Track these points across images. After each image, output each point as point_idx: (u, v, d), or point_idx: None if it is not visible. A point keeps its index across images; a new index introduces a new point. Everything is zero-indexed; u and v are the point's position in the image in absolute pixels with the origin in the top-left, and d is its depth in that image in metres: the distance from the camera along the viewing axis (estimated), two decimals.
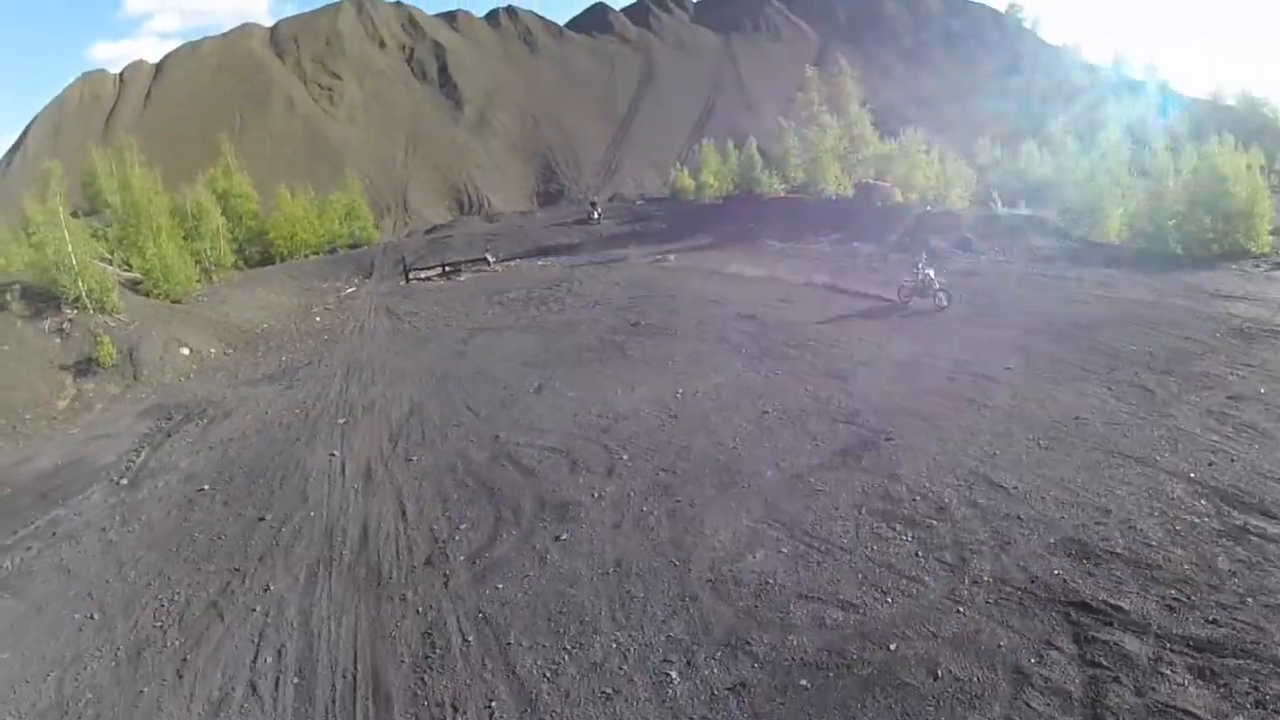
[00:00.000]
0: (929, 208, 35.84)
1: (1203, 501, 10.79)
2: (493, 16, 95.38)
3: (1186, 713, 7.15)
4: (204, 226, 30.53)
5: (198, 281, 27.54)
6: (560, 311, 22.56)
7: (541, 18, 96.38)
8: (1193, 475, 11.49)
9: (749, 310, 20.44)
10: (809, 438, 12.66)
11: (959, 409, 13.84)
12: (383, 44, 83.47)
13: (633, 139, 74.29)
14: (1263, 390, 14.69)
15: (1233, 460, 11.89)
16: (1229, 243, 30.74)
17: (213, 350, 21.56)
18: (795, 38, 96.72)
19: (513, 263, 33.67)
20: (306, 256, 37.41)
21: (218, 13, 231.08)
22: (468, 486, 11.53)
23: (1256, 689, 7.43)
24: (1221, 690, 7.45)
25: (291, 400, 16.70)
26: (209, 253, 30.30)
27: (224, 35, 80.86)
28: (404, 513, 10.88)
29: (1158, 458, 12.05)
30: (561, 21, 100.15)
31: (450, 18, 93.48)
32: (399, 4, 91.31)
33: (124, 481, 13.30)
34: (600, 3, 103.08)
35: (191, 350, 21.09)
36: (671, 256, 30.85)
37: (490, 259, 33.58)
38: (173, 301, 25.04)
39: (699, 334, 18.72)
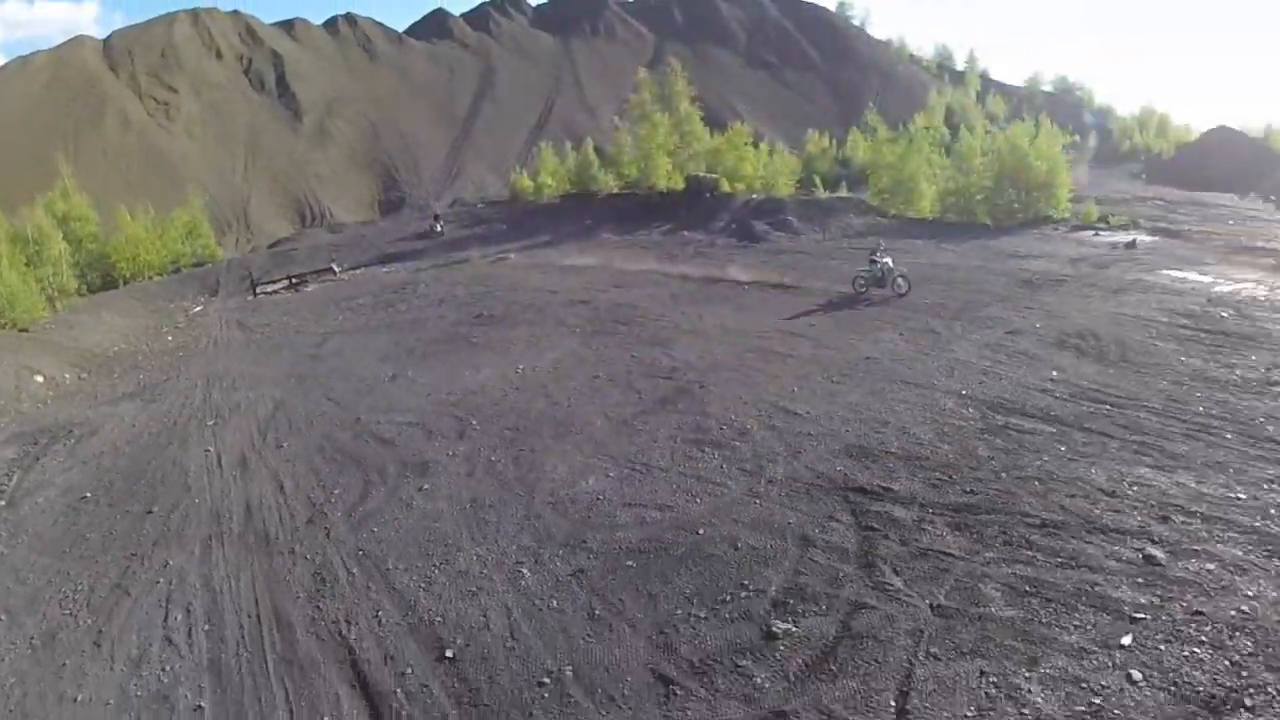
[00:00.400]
0: (754, 196, 38.60)
1: (970, 409, 12.94)
2: (331, 24, 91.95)
3: (943, 553, 8.88)
4: (46, 253, 29.58)
5: (43, 309, 26.96)
6: (408, 311, 23.58)
7: (381, 25, 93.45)
8: (964, 392, 13.74)
9: (583, 297, 22.14)
10: (634, 393, 14.53)
11: (767, 360, 15.94)
12: (219, 55, 79.51)
13: (473, 143, 74.10)
14: (1038, 325, 17.35)
15: (1000, 379, 14.33)
16: (1033, 211, 34.99)
17: (67, 375, 21.50)
18: (632, 39, 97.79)
19: (359, 271, 34.16)
20: (150, 278, 36.35)
21: (41, 23, 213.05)
22: (337, 461, 12.84)
23: (1004, 533, 9.25)
24: (974, 536, 9.22)
25: (157, 412, 17.21)
26: (52, 279, 29.45)
27: (55, 49, 74.69)
28: (282, 488, 12.08)
29: (935, 382, 14.32)
30: (401, 28, 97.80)
31: (288, 26, 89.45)
32: (236, 13, 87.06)
33: (1, 504, 13.56)
34: (440, 8, 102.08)
35: (46, 377, 21.00)
36: (512, 255, 32.24)
37: (336, 268, 33.96)
38: (20, 330, 24.47)
39: (537, 320, 20.36)
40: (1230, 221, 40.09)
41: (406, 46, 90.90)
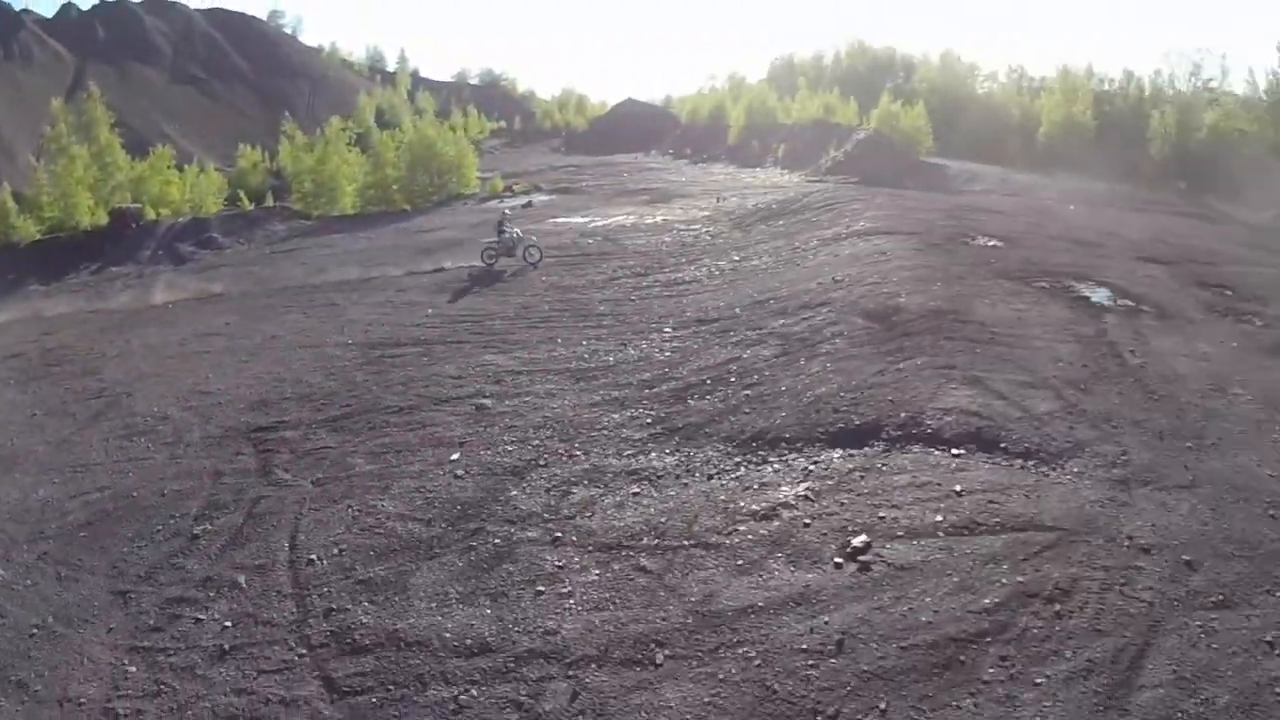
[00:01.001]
0: (180, 219, 37.99)
1: (354, 353, 15.43)
2: None
3: (322, 449, 11.38)
4: None
5: None
6: None
7: None
8: (351, 342, 16.16)
9: (14, 350, 20.57)
10: (69, 417, 14.87)
11: (186, 360, 16.99)
12: None
13: None
14: (424, 280, 20.74)
15: (384, 325, 17.24)
16: (446, 191, 39.46)
17: None
18: (50, 63, 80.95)
19: None
20: None
21: None
22: None
23: (370, 424, 11.91)
24: (347, 433, 11.80)
25: None
26: None
27: None
28: None
29: (328, 340, 16.67)
30: None
31: None
32: None
33: None
34: None
35: None
36: None
37: None
38: None
39: None
40: (624, 174, 47.83)
41: None
